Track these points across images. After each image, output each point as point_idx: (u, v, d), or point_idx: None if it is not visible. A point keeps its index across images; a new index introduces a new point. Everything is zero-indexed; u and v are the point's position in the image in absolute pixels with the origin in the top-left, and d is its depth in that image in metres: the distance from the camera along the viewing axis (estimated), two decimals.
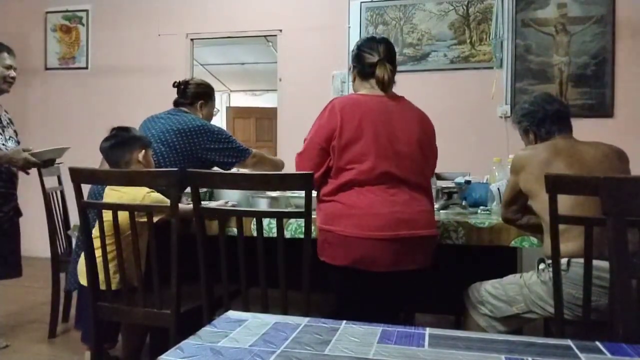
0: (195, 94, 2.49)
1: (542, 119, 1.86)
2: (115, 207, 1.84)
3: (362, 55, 1.83)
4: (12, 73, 2.62)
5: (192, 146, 2.29)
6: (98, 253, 1.90)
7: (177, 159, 2.25)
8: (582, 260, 1.51)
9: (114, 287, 1.91)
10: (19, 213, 2.71)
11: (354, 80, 1.90)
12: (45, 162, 2.58)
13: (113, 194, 1.99)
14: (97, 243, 1.90)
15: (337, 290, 1.79)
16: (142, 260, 1.91)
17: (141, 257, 1.90)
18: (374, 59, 1.79)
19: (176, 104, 2.50)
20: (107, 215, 1.85)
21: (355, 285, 1.72)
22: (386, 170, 1.70)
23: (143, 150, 2.06)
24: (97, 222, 1.88)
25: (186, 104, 2.47)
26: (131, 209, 1.81)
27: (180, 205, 1.88)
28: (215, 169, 2.39)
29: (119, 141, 2.04)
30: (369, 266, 1.65)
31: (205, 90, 2.54)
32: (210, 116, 2.56)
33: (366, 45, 1.84)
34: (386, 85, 1.80)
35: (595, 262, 1.49)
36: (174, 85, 2.53)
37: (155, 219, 1.87)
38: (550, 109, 1.85)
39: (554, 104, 1.87)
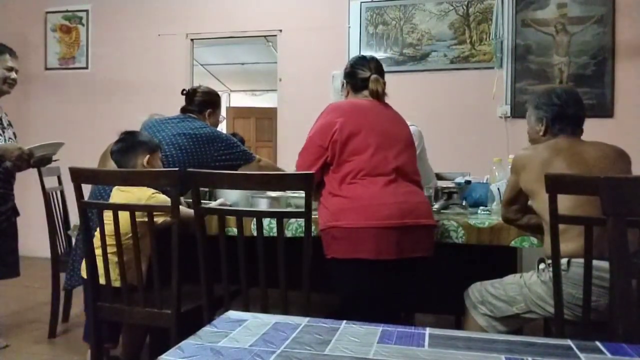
0: (203, 102, 2.51)
1: (561, 116, 1.84)
2: (115, 207, 1.84)
3: (355, 71, 1.98)
4: (13, 75, 2.62)
5: (203, 153, 2.32)
6: (99, 252, 1.90)
7: (189, 161, 2.26)
8: (582, 260, 1.51)
9: (114, 285, 1.90)
10: (16, 213, 2.71)
11: (347, 95, 2.04)
12: (41, 161, 2.58)
13: (120, 194, 2.00)
14: (97, 242, 1.90)
15: (344, 285, 1.80)
16: (144, 261, 1.91)
17: (143, 257, 1.90)
18: (367, 74, 1.95)
19: (184, 110, 2.51)
20: (109, 216, 1.85)
21: (363, 277, 1.75)
22: (386, 161, 1.80)
23: (148, 155, 2.06)
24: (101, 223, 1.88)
25: (194, 111, 2.48)
26: (132, 209, 1.81)
27: (182, 208, 1.89)
28: None
29: (125, 146, 2.07)
30: (377, 255, 1.70)
31: (212, 98, 2.56)
32: (216, 124, 2.58)
33: (358, 63, 2.00)
34: (380, 97, 1.94)
35: (595, 262, 1.49)
36: (182, 93, 2.54)
37: (159, 220, 1.87)
38: (572, 111, 1.83)
39: (576, 106, 1.84)
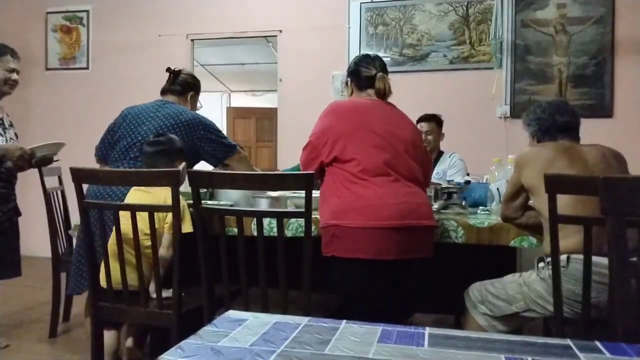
0: (186, 83, 2.48)
1: (548, 128, 1.88)
2: (117, 208, 1.84)
3: (360, 69, 1.97)
4: (14, 76, 2.61)
5: (188, 138, 2.27)
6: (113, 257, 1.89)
7: None
8: (581, 256, 1.52)
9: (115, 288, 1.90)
10: (18, 213, 2.71)
11: (350, 94, 2.03)
12: (42, 161, 2.58)
13: (137, 194, 2.00)
14: (112, 248, 1.88)
15: (343, 284, 1.80)
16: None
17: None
18: (372, 72, 1.94)
19: (165, 92, 2.46)
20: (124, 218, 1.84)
21: (363, 277, 1.75)
22: (386, 161, 1.79)
23: (184, 163, 2.06)
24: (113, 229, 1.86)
25: (176, 92, 2.45)
26: (132, 209, 1.81)
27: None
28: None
29: (165, 150, 2.07)
30: (378, 255, 1.70)
31: (196, 82, 2.55)
32: (195, 110, 2.55)
33: (363, 61, 1.99)
34: (386, 95, 1.94)
35: (594, 259, 1.50)
36: (167, 71, 2.49)
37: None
38: (560, 120, 1.87)
39: (564, 116, 1.87)
